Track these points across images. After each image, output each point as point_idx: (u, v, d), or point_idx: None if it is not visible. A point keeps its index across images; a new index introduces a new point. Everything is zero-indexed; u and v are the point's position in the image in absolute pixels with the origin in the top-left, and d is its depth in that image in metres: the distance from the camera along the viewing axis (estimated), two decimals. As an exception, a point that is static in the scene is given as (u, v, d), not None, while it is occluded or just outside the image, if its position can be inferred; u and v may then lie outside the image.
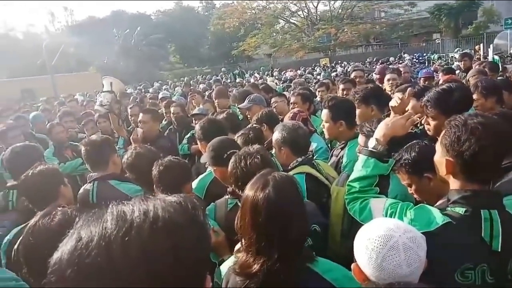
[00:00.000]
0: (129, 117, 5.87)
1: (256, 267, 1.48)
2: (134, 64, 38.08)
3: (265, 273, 1.46)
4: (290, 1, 44.49)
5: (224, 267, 1.72)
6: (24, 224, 2.25)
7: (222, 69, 32.79)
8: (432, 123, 2.45)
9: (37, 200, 2.28)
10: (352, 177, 2.00)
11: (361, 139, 2.50)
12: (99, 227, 0.66)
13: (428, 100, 2.49)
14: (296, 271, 1.50)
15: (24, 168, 2.50)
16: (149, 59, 41.59)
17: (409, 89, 3.16)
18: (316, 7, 45.15)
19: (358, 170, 1.98)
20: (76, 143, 5.08)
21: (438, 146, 1.65)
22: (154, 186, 2.38)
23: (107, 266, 0.61)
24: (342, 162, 2.92)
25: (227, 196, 2.41)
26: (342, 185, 2.55)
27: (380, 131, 2.02)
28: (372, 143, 1.99)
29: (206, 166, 3.06)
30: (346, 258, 1.72)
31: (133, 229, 0.65)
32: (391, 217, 1.73)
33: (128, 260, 0.62)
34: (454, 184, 1.59)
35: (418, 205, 1.69)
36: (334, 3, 44.78)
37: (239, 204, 2.28)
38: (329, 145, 3.83)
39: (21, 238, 2.05)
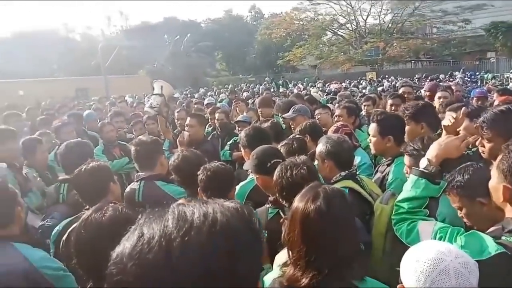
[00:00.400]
0: (176, 120, 6.03)
1: (304, 281, 1.45)
2: (182, 69, 39.18)
3: None
4: (339, 14, 44.23)
5: (268, 279, 1.70)
6: (74, 217, 2.36)
7: (266, 78, 33.02)
8: (488, 145, 2.33)
9: (87, 195, 2.37)
10: (400, 197, 1.93)
11: (406, 158, 2.44)
12: (161, 225, 0.68)
13: (484, 121, 2.37)
14: None
15: (76, 163, 2.61)
16: (197, 65, 42.69)
17: (463, 108, 3.03)
18: (366, 20, 44.61)
19: (407, 191, 1.91)
20: (125, 143, 5.27)
21: (494, 171, 1.57)
22: (200, 189, 2.41)
23: (166, 263, 0.64)
24: (387, 179, 2.83)
25: (268, 205, 2.42)
26: (386, 203, 2.48)
27: (433, 151, 1.94)
28: (423, 163, 1.92)
29: (248, 173, 3.09)
30: (387, 278, 1.67)
31: (192, 229, 0.67)
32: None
33: (186, 259, 0.64)
34: (511, 212, 1.50)
35: (470, 232, 1.60)
36: (384, 16, 44.09)
37: (281, 213, 2.29)
38: (373, 160, 3.74)
39: (70, 229, 2.16)
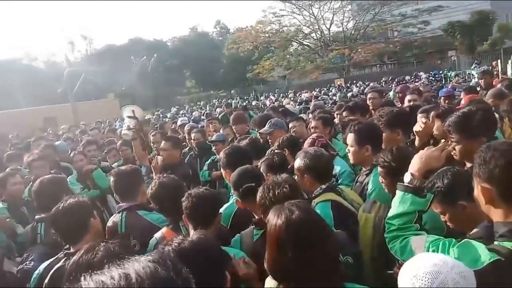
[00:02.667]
0: (151, 144, 5.94)
1: None
2: (152, 90, 38.89)
3: None
4: (303, 24, 45.14)
5: None
6: (54, 258, 2.28)
7: (232, 91, 33.06)
8: (457, 147, 2.41)
9: (66, 233, 2.29)
10: (390, 214, 1.92)
11: (379, 169, 2.48)
12: None
13: (449, 124, 2.46)
14: None
15: (52, 201, 2.52)
16: (166, 84, 42.49)
17: (432, 112, 3.12)
18: (329, 29, 45.75)
19: (396, 207, 1.89)
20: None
21: (474, 181, 1.60)
22: (185, 217, 2.36)
23: None
24: (367, 189, 2.85)
25: (252, 227, 2.40)
26: (369, 212, 2.51)
27: (414, 165, 1.95)
28: (407, 178, 1.94)
29: (230, 193, 3.07)
30: (377, 283, 1.68)
31: None
32: None
33: None
34: (497, 215, 1.52)
35: (462, 242, 1.62)
36: (347, 24, 45.31)
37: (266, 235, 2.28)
38: (352, 167, 3.78)
39: (52, 271, 2.08)
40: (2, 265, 2.67)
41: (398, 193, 1.92)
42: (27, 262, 2.64)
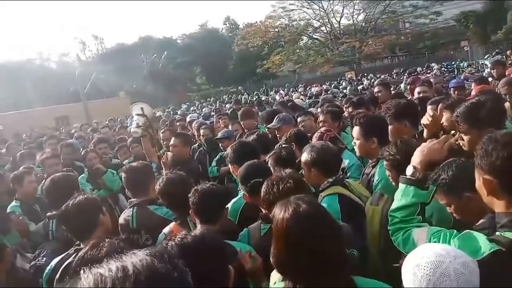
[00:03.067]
0: (161, 141, 5.98)
1: None
2: (162, 87, 39.08)
3: None
4: (313, 18, 44.82)
5: None
6: (64, 254, 2.32)
7: (239, 88, 33.00)
8: (465, 138, 2.38)
9: (76, 230, 2.33)
10: (392, 206, 1.92)
11: (384, 163, 2.47)
12: None
13: (457, 115, 2.43)
14: None
15: (62, 198, 2.57)
16: (176, 81, 42.68)
17: (440, 104, 3.08)
18: (339, 22, 45.32)
19: (398, 199, 1.90)
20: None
21: (476, 172, 1.59)
22: (192, 212, 2.38)
23: None
24: (373, 181, 2.84)
25: (259, 221, 2.41)
26: (376, 204, 2.50)
27: (416, 158, 1.95)
28: (409, 170, 1.93)
29: (238, 188, 3.09)
30: (385, 278, 1.67)
31: None
32: None
33: None
34: (499, 206, 1.51)
35: (463, 233, 1.61)
36: (357, 16, 44.86)
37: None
38: (361, 160, 3.75)
39: (63, 267, 2.12)
40: (15, 261, 2.72)
41: (401, 185, 1.92)
42: (39, 258, 2.69)
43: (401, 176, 1.94)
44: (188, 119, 8.65)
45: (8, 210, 3.73)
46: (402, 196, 1.88)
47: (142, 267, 0.70)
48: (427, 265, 1.25)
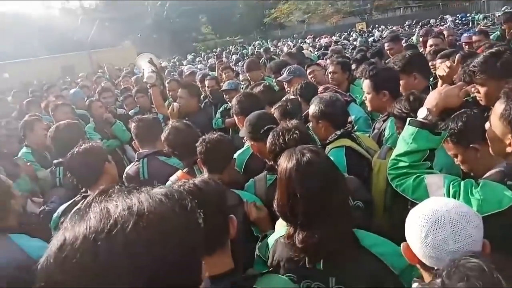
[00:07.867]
0: (167, 92, 5.91)
1: (300, 237, 1.51)
2: (167, 36, 38.26)
3: (309, 245, 1.49)
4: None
5: (271, 240, 1.74)
6: (72, 200, 2.35)
7: (239, 40, 32.06)
8: (482, 90, 2.29)
9: (82, 177, 2.35)
10: (399, 151, 1.82)
11: (394, 120, 2.40)
12: (84, 226, 0.65)
13: (475, 65, 2.33)
14: (341, 244, 1.51)
15: (68, 145, 2.57)
16: (182, 31, 41.61)
17: (457, 55, 2.96)
18: (351, -31, 43.19)
19: (407, 143, 1.79)
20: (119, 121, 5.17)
21: (496, 120, 1.51)
22: (199, 162, 2.37)
23: (93, 265, 0.61)
24: (384, 135, 2.79)
25: (265, 172, 2.41)
26: (384, 158, 2.46)
27: (432, 100, 1.84)
28: (423, 113, 1.82)
29: (244, 140, 3.06)
30: (389, 234, 1.67)
31: (117, 225, 0.64)
32: (454, 197, 1.59)
33: (114, 256, 0.61)
34: None
35: (482, 183, 1.57)
36: (370, -37, 42.66)
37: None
38: (369, 115, 3.70)
39: (71, 214, 2.14)
40: (26, 206, 2.78)
41: (410, 129, 1.82)
42: (48, 203, 2.75)
43: (411, 119, 1.86)
44: (186, 70, 8.47)
45: (19, 156, 3.76)
46: (412, 140, 1.78)
47: (150, 204, 0.69)
48: (425, 215, 1.24)
